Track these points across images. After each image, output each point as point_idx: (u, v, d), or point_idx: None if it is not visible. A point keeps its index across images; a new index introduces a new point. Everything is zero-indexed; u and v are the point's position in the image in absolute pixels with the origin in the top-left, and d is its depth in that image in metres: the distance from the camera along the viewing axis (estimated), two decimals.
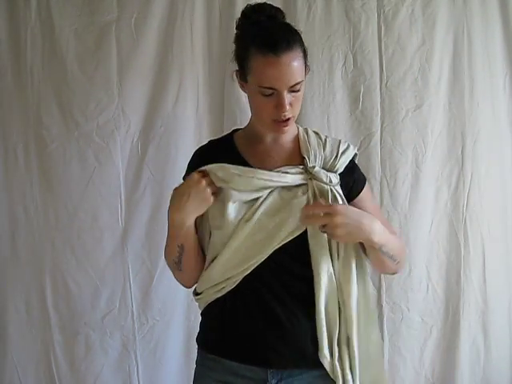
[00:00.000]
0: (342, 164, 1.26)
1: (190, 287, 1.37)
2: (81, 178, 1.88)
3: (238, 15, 1.79)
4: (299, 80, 1.15)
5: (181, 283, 1.37)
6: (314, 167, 1.22)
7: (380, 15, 1.83)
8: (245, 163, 1.25)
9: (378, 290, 1.88)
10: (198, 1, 1.84)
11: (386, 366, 1.90)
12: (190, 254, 1.27)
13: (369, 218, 1.20)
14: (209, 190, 1.19)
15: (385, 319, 1.89)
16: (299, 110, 1.23)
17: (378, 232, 1.19)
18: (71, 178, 1.88)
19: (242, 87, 1.24)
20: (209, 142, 1.40)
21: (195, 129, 1.89)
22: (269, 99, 1.16)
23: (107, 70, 1.85)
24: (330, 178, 1.22)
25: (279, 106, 1.15)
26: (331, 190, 1.21)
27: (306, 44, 1.21)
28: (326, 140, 1.29)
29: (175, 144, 1.87)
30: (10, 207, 1.91)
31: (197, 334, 1.36)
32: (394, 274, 1.38)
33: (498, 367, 1.93)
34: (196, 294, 1.33)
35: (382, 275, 1.86)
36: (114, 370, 1.95)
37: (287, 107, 1.15)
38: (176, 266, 1.29)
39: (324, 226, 1.16)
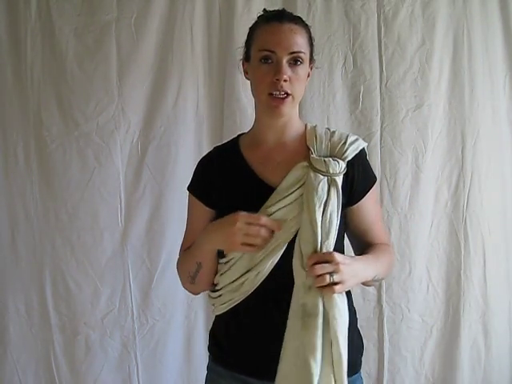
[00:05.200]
0: (351, 151, 1.22)
1: (197, 294, 1.39)
2: (81, 178, 1.88)
3: (238, 15, 1.82)
4: (301, 50, 1.17)
5: (189, 291, 1.35)
6: (314, 157, 1.19)
7: (380, 15, 1.83)
8: (247, 167, 1.24)
9: (378, 290, 1.89)
10: (198, 1, 1.84)
11: (387, 366, 1.90)
12: (207, 271, 1.25)
13: (362, 264, 1.17)
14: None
15: (385, 319, 1.89)
16: (299, 95, 1.20)
17: (373, 271, 1.20)
18: (71, 178, 1.88)
19: (246, 74, 1.26)
20: (214, 148, 1.37)
21: (195, 129, 1.89)
22: (268, 68, 1.16)
23: (107, 70, 1.85)
24: (329, 165, 1.17)
25: (277, 72, 1.15)
26: (329, 179, 1.16)
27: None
28: (334, 131, 1.27)
29: (175, 144, 1.87)
30: (10, 207, 1.91)
31: (208, 341, 1.35)
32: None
33: (498, 367, 1.93)
34: (214, 290, 1.29)
35: None
36: (114, 370, 1.95)
37: (284, 76, 1.15)
38: (190, 279, 1.28)
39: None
